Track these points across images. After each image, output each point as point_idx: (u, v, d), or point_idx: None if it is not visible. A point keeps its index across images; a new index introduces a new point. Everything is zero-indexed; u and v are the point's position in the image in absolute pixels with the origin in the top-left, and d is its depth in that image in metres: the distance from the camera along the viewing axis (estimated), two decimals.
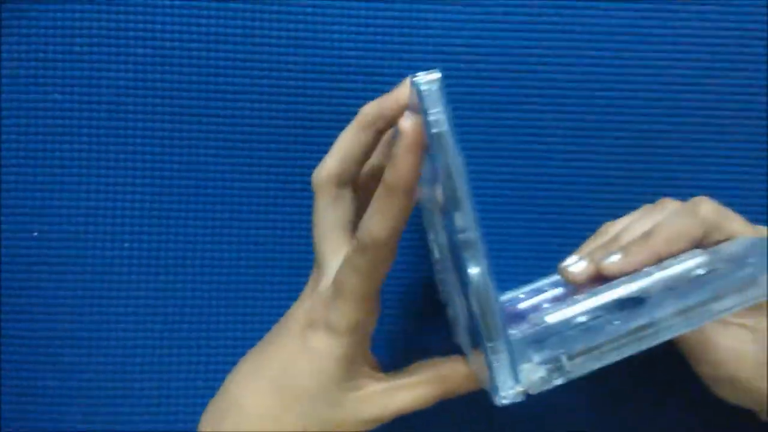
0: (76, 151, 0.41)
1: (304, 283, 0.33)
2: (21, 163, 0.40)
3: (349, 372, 0.29)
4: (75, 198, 0.41)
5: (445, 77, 0.25)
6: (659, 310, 0.25)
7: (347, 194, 0.32)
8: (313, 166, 0.33)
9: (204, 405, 0.33)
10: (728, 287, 0.25)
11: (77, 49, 0.40)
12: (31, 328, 0.40)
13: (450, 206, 0.24)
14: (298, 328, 0.31)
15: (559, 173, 0.40)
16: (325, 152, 0.33)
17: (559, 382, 0.24)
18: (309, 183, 0.33)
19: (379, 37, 0.41)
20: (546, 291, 0.33)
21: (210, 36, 0.40)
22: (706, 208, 0.30)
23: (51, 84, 0.40)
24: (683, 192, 0.36)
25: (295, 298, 0.33)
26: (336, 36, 0.40)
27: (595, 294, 0.28)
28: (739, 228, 0.30)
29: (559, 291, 0.33)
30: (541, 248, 0.40)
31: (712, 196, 0.33)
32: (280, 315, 0.34)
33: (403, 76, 0.32)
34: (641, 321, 0.24)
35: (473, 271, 0.24)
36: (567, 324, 0.27)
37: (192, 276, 0.41)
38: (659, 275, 0.28)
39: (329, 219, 0.31)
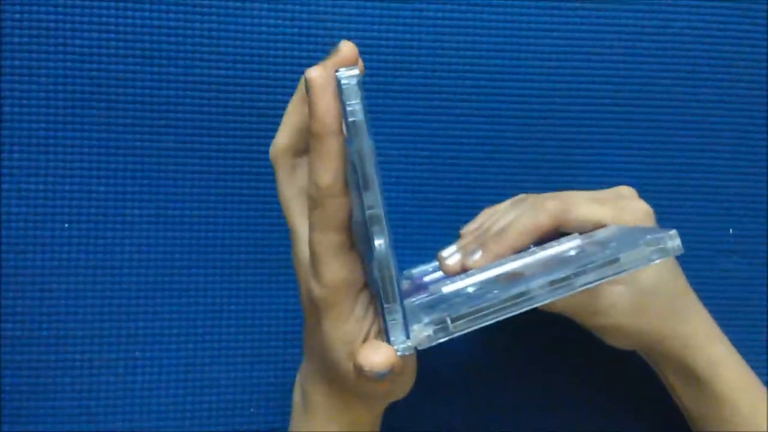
0: (77, 154, 0.41)
1: None
2: (22, 164, 0.40)
3: (346, 331, 0.30)
4: (78, 199, 0.41)
5: (368, 68, 0.35)
6: (532, 282, 0.29)
7: (303, 162, 0.33)
8: None
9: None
10: (590, 265, 0.29)
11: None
12: (30, 328, 0.40)
13: (362, 186, 0.28)
14: (304, 301, 0.32)
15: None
16: None
17: (443, 339, 0.28)
18: None
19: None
20: None
21: (213, 32, 0.41)
22: (552, 203, 0.35)
23: (52, 84, 0.40)
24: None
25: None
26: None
27: (486, 270, 0.33)
28: (583, 213, 0.35)
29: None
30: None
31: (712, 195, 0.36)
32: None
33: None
34: (516, 290, 0.29)
35: (378, 242, 0.28)
36: (457, 294, 0.32)
37: (195, 276, 0.42)
38: (540, 255, 0.33)
39: (290, 188, 0.33)
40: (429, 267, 0.40)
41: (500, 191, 0.43)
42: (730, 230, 0.44)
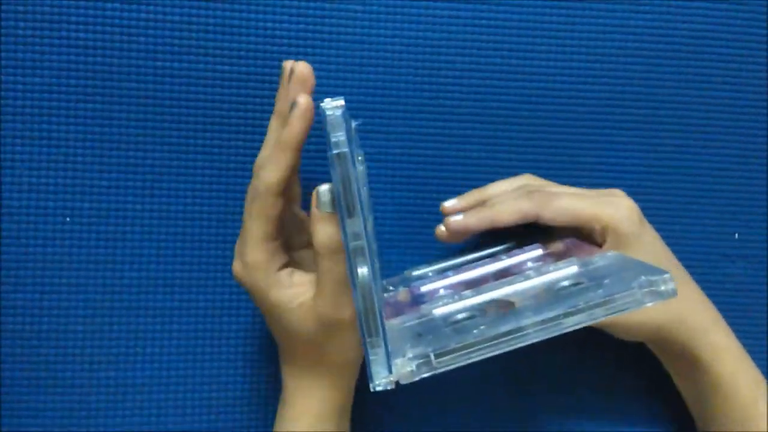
0: (79, 148, 0.40)
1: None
2: (24, 158, 0.40)
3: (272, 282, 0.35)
4: (79, 194, 0.40)
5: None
6: (520, 320, 0.29)
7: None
8: None
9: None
10: (581, 305, 0.29)
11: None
12: (30, 322, 0.40)
13: (345, 213, 0.29)
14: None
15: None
16: None
17: (426, 375, 0.28)
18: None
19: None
20: (449, 275, 0.38)
21: (209, 27, 0.40)
22: (537, 194, 0.37)
23: (55, 77, 0.40)
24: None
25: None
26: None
27: (478, 293, 0.33)
28: (561, 204, 0.36)
29: (457, 278, 0.38)
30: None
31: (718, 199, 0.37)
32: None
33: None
34: (504, 327, 0.28)
35: (360, 270, 0.29)
36: (447, 319, 0.31)
37: (196, 272, 0.41)
38: (533, 282, 0.33)
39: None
40: (429, 270, 0.40)
41: None
42: (736, 235, 0.44)
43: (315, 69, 0.36)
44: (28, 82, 0.40)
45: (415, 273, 0.40)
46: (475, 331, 0.29)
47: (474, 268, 0.38)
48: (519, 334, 0.28)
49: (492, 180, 0.41)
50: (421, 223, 0.42)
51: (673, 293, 0.29)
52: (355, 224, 0.29)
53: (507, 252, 0.39)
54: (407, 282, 0.39)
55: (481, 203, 0.39)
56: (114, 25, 0.40)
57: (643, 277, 0.29)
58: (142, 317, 0.41)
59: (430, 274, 0.40)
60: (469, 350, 0.28)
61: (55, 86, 0.40)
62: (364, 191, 0.35)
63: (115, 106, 0.40)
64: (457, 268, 0.39)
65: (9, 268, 0.40)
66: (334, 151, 0.29)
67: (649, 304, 0.29)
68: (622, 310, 0.29)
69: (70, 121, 0.40)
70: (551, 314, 0.28)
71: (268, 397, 0.42)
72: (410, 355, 0.28)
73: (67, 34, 0.40)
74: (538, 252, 0.37)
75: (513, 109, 0.42)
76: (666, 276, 0.29)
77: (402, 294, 0.37)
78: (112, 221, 0.41)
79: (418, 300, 0.36)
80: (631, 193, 0.38)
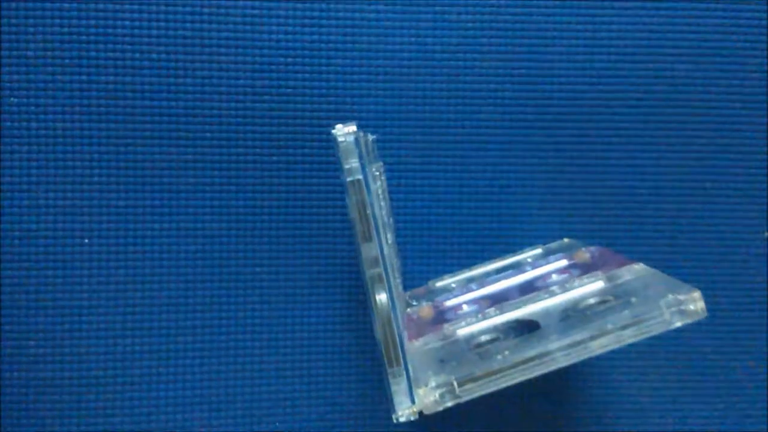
0: (95, 168, 0.40)
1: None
2: (40, 180, 0.40)
3: None
4: (96, 214, 0.40)
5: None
6: (545, 344, 0.28)
7: None
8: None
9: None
10: (609, 326, 0.28)
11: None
12: (52, 345, 0.40)
13: (361, 238, 0.29)
14: None
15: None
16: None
17: (450, 404, 0.27)
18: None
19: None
20: (473, 289, 0.37)
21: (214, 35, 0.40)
22: None
23: (68, 98, 0.39)
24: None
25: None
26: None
27: (502, 311, 0.33)
28: None
29: (481, 293, 0.37)
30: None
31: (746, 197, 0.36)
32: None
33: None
34: (527, 353, 0.28)
35: (379, 296, 0.29)
36: (470, 341, 0.31)
37: (216, 290, 0.41)
38: (558, 299, 0.32)
39: None
40: (452, 282, 0.39)
41: (527, 196, 0.42)
42: (765, 234, 0.43)
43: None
44: (41, 103, 0.39)
45: (439, 284, 0.40)
46: (499, 357, 0.28)
47: (498, 280, 0.38)
48: (545, 359, 0.28)
49: (512, 185, 0.40)
50: (444, 232, 0.42)
51: (703, 312, 0.28)
52: (372, 249, 0.29)
53: (532, 261, 0.38)
54: (431, 296, 0.38)
55: None
56: (125, 43, 0.39)
57: (670, 296, 0.28)
58: (164, 336, 0.41)
59: (454, 285, 0.39)
60: (494, 377, 0.27)
61: (68, 107, 0.40)
62: (385, 206, 0.35)
63: (129, 125, 0.40)
64: (481, 280, 0.38)
65: (29, 291, 0.40)
66: (348, 179, 0.29)
67: (678, 324, 0.28)
68: (651, 333, 0.28)
69: (84, 142, 0.40)
70: (578, 337, 0.28)
71: (295, 414, 0.42)
72: (433, 384, 0.27)
73: (78, 54, 0.39)
74: (563, 263, 0.37)
75: (534, 113, 0.42)
76: (695, 294, 0.28)
77: (425, 310, 0.37)
78: (130, 240, 0.40)
79: (440, 317, 0.35)
80: (662, 194, 0.37)
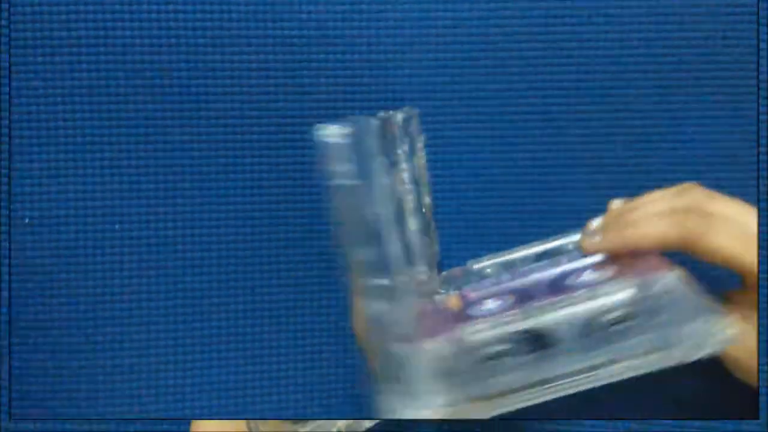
0: (107, 175, 0.40)
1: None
2: (60, 189, 0.40)
3: None
4: (109, 223, 0.40)
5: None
6: (561, 366, 0.26)
7: None
8: None
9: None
10: (626, 353, 0.27)
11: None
12: (85, 358, 0.40)
13: (363, 240, 0.27)
14: None
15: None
16: None
17: (452, 420, 0.27)
18: None
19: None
20: (503, 281, 0.36)
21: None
22: (694, 220, 0.32)
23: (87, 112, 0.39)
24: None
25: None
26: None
27: (524, 315, 0.31)
28: (712, 246, 0.31)
29: (509, 285, 0.35)
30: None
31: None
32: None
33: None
34: (539, 376, 0.26)
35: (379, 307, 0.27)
36: (483, 350, 0.29)
37: (206, 275, 0.41)
38: (583, 307, 0.30)
39: None
40: (489, 264, 0.38)
41: (571, 169, 0.41)
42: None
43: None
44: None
45: (476, 267, 0.39)
46: (510, 375, 0.27)
47: (530, 272, 0.36)
48: (559, 382, 0.26)
49: (556, 176, 0.39)
50: (484, 209, 0.41)
51: (734, 340, 0.27)
52: (365, 254, 0.28)
53: (571, 250, 0.37)
54: (466, 279, 0.37)
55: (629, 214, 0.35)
56: (134, 53, 0.39)
57: (701, 320, 0.27)
58: (189, 346, 0.41)
59: (489, 270, 0.38)
60: (502, 399, 0.26)
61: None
62: (423, 185, 0.33)
63: (141, 130, 0.39)
64: (514, 269, 0.37)
65: (60, 279, 0.40)
66: (337, 182, 0.28)
67: (705, 353, 0.27)
68: (677, 361, 0.27)
69: (95, 149, 0.40)
70: (596, 360, 0.26)
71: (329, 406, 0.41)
72: (440, 402, 0.26)
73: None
74: (599, 257, 0.36)
75: (576, 81, 0.40)
76: (727, 321, 0.27)
77: (453, 300, 0.36)
78: (144, 249, 0.40)
79: (464, 311, 0.34)
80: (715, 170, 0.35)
